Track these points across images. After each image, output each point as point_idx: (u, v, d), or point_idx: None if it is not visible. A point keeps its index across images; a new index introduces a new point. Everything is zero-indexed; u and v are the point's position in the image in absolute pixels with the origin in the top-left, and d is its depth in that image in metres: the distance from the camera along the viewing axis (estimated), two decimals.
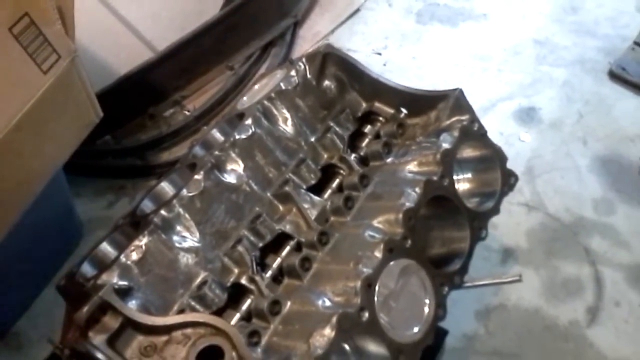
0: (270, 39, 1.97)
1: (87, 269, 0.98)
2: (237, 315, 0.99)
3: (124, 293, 0.91)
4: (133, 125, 1.79)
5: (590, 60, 2.03)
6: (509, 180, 1.16)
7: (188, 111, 1.85)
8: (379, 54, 2.06)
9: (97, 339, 0.86)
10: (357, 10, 2.16)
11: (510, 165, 1.78)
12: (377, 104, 1.21)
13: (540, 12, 2.19)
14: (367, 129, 1.21)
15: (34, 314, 1.47)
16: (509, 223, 1.66)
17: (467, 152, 1.13)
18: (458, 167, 1.15)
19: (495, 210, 1.13)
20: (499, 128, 1.86)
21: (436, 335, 1.41)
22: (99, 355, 0.88)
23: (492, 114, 1.90)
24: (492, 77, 2.00)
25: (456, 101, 1.10)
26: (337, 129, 1.17)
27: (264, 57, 1.97)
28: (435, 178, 1.02)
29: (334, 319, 0.87)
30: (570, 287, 1.54)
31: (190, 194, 1.01)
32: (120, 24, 1.74)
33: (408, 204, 0.99)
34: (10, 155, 0.98)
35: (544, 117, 1.89)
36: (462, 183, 1.15)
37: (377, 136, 1.18)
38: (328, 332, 0.87)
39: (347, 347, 0.94)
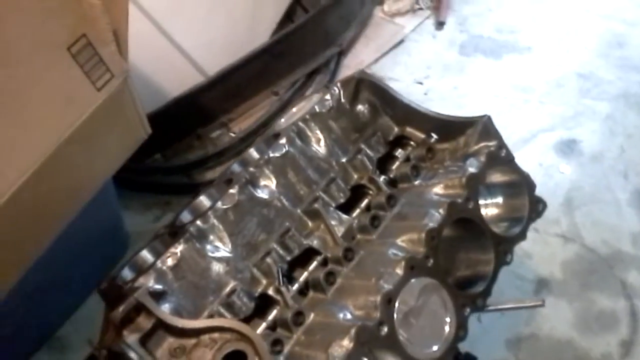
0: (315, 66, 2.04)
1: (127, 274, 1.05)
2: (263, 325, 1.03)
3: (158, 296, 0.97)
4: (182, 145, 1.88)
5: (634, 95, 2.02)
6: (537, 207, 1.18)
7: (234, 133, 1.93)
8: (421, 83, 2.10)
9: (131, 337, 0.92)
10: (402, 42, 2.22)
11: (548, 196, 1.79)
12: (408, 129, 1.25)
13: (585, 47, 2.19)
14: (398, 152, 1.25)
15: (78, 319, 1.55)
16: (544, 253, 1.65)
17: (495, 178, 1.15)
18: (486, 192, 1.17)
19: (522, 236, 1.15)
20: (539, 159, 1.86)
21: None
22: (131, 353, 0.94)
23: (533, 145, 1.90)
24: (533, 108, 2.01)
25: (484, 127, 1.14)
26: (368, 151, 1.21)
27: (308, 84, 2.04)
28: (459, 200, 1.05)
29: (353, 331, 0.91)
30: (605, 321, 1.52)
31: (225, 207, 1.07)
32: (175, 50, 1.84)
33: (431, 224, 1.02)
34: (62, 166, 1.06)
35: (584, 149, 1.88)
36: (490, 208, 1.17)
37: (407, 160, 1.22)
38: (347, 343, 0.90)
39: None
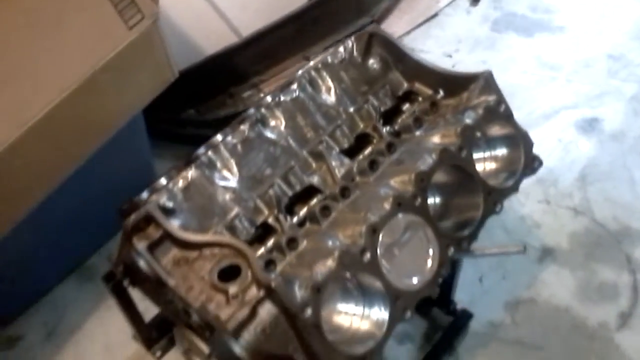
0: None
1: (145, 196, 1.16)
2: (262, 249, 1.12)
3: (168, 212, 1.08)
4: (215, 102, 1.99)
5: None
6: (532, 163, 1.22)
7: (264, 94, 2.03)
8: (450, 56, 2.15)
9: (140, 244, 1.02)
10: (435, 15, 2.27)
11: (564, 170, 1.83)
12: (417, 84, 1.31)
13: (619, 29, 2.19)
14: (406, 107, 1.32)
15: (106, 252, 1.68)
16: (554, 225, 1.69)
17: (494, 131, 1.21)
18: (485, 145, 1.23)
19: (514, 189, 1.20)
20: (559, 135, 1.89)
21: (460, 317, 1.50)
22: (139, 258, 1.05)
23: (554, 121, 1.93)
24: (559, 86, 2.04)
25: (485, 82, 1.19)
26: (375, 102, 1.28)
27: None
28: (452, 148, 1.12)
29: (336, 253, 0.99)
30: (606, 292, 1.56)
31: (235, 141, 1.17)
32: (212, 9, 1.94)
33: (422, 167, 1.09)
34: (95, 92, 1.18)
35: (605, 128, 1.90)
36: (488, 161, 1.23)
37: (412, 114, 1.29)
38: (330, 263, 0.98)
39: (349, 284, 1.05)
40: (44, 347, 1.50)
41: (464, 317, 1.48)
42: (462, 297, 1.48)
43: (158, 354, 1.47)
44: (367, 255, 1.02)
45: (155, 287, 1.12)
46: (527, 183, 1.74)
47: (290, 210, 1.18)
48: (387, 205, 1.05)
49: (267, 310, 0.96)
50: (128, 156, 1.59)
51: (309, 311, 0.95)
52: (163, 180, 1.16)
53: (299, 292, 0.96)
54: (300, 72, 1.27)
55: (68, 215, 1.50)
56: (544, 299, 1.55)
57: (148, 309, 1.27)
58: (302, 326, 0.95)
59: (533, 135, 1.24)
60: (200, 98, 1.98)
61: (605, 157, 1.83)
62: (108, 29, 1.17)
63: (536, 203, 1.73)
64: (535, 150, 1.23)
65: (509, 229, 1.66)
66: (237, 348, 0.95)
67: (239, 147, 1.17)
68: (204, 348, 1.07)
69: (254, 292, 0.97)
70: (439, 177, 1.14)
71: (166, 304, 1.18)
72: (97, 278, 1.62)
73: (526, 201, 1.73)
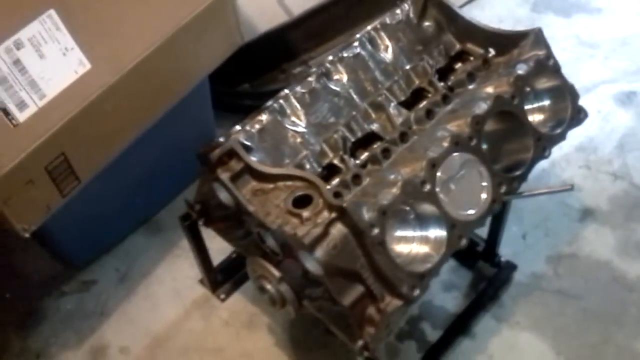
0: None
1: (220, 140, 1.28)
2: (328, 186, 1.23)
3: (246, 149, 1.20)
4: (267, 77, 2.11)
5: None
6: (578, 114, 1.32)
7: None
8: None
9: (223, 175, 1.14)
10: None
11: (603, 138, 1.92)
12: (468, 45, 1.41)
13: None
14: (458, 66, 1.42)
15: (172, 208, 1.80)
16: (594, 188, 1.78)
17: (542, 84, 1.30)
18: (534, 97, 1.32)
19: (561, 137, 1.29)
20: (598, 107, 1.97)
21: (505, 268, 1.59)
22: (220, 191, 1.17)
23: (593, 94, 2.01)
24: (598, 63, 2.12)
25: (535, 37, 1.29)
26: (430, 61, 1.39)
27: None
28: (506, 96, 1.22)
29: (400, 183, 1.10)
30: None
31: (302, 91, 1.28)
32: None
33: (477, 112, 1.19)
34: (176, 50, 1.31)
35: None
36: (537, 112, 1.32)
37: (462, 72, 1.39)
38: (394, 191, 1.09)
39: (408, 216, 1.15)
40: (117, 290, 1.63)
41: (508, 268, 1.57)
42: (506, 252, 1.58)
43: (222, 296, 1.60)
44: (427, 186, 1.12)
45: (232, 219, 1.25)
46: (568, 150, 1.85)
47: (352, 155, 1.29)
48: (445, 144, 1.15)
49: (337, 230, 1.07)
50: (194, 119, 1.72)
51: (375, 230, 1.06)
52: (237, 127, 1.28)
53: (367, 215, 1.07)
54: (360, 33, 1.38)
55: (140, 169, 1.63)
56: (585, 254, 1.63)
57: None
58: (370, 243, 1.06)
59: None
60: (255, 73, 2.10)
61: None
62: None
63: (577, 168, 1.82)
64: None
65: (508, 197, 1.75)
66: (311, 262, 1.06)
67: (306, 97, 1.29)
68: (276, 272, 1.19)
69: (325, 215, 1.09)
70: (490, 125, 1.24)
71: (239, 238, 1.31)
72: (165, 231, 1.77)
73: (567, 166, 1.81)
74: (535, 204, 1.69)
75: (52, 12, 1.08)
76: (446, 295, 1.57)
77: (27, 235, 1.14)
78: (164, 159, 1.64)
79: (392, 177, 1.15)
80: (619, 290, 1.56)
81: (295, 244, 1.08)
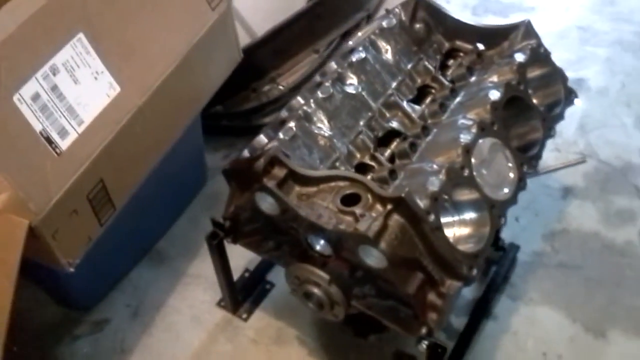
0: (347, 28, 2.30)
1: (246, 154, 1.28)
2: None
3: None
4: (240, 97, 2.12)
5: (628, 41, 2.32)
6: (570, 95, 1.44)
7: (282, 86, 2.18)
8: None
9: (270, 183, 1.15)
10: None
11: (565, 122, 2.04)
12: (457, 42, 1.51)
13: (581, 5, 2.49)
14: (451, 62, 1.51)
15: (171, 236, 1.76)
16: (568, 168, 1.91)
17: (536, 71, 1.41)
18: (529, 85, 1.43)
19: (561, 116, 1.40)
20: None
21: (509, 250, 1.68)
22: (264, 200, 1.17)
23: None
24: None
25: (526, 28, 1.40)
26: (426, 59, 1.47)
27: (341, 44, 2.30)
28: (514, 82, 1.31)
29: (444, 170, 1.15)
30: (624, 216, 1.78)
31: (323, 96, 1.32)
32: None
33: (494, 98, 1.27)
34: (190, 70, 1.30)
35: (591, 86, 2.16)
36: (534, 97, 1.43)
37: (460, 66, 1.48)
38: (441, 177, 1.14)
39: (446, 203, 1.21)
40: (133, 326, 1.57)
41: (513, 249, 1.66)
42: (504, 235, 1.66)
43: (244, 316, 1.58)
44: (466, 171, 1.18)
45: (263, 232, 1.25)
46: None
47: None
48: (473, 130, 1.22)
49: (394, 221, 1.10)
50: (187, 145, 1.70)
51: (432, 216, 1.10)
52: (263, 139, 1.29)
53: (421, 203, 1.11)
54: (362, 37, 1.44)
55: (139, 198, 1.58)
56: (575, 228, 1.75)
57: None
58: (429, 230, 1.10)
59: None
60: (226, 94, 2.10)
61: (596, 108, 2.08)
62: (196, 9, 1.30)
63: (549, 152, 1.94)
64: None
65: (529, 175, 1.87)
66: (374, 256, 1.09)
67: (327, 102, 1.32)
68: (325, 275, 1.20)
69: (378, 209, 1.12)
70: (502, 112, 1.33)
71: (272, 249, 1.31)
72: (169, 260, 1.73)
73: None
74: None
75: (81, 35, 1.05)
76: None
77: (72, 270, 1.09)
78: (160, 187, 1.61)
79: (429, 167, 1.20)
80: (612, 256, 1.68)
81: (356, 240, 1.10)
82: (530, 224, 1.77)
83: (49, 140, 1.00)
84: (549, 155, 1.94)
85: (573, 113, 2.06)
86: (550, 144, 1.94)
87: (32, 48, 1.00)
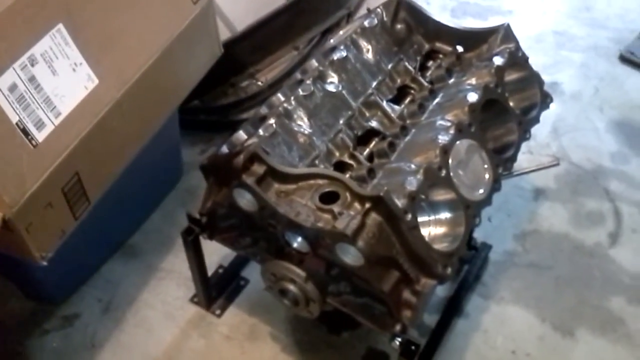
0: (328, 25, 2.30)
1: (225, 150, 1.28)
2: None
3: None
4: (218, 91, 2.11)
5: (602, 47, 2.36)
6: (546, 99, 1.46)
7: (261, 82, 2.17)
8: None
9: (249, 180, 1.15)
10: None
11: (538, 126, 2.08)
12: (437, 44, 1.52)
13: (558, 10, 2.53)
14: (430, 63, 1.52)
15: (145, 231, 1.75)
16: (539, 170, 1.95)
17: (514, 75, 1.43)
18: (506, 88, 1.45)
19: (537, 119, 1.43)
20: None
21: (482, 249, 1.70)
22: (242, 196, 1.17)
23: None
24: None
25: (505, 32, 1.42)
26: (406, 60, 1.48)
27: (322, 41, 2.30)
28: (492, 85, 1.33)
29: (422, 170, 1.16)
30: (594, 218, 1.82)
31: (304, 94, 1.32)
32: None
33: (472, 100, 1.29)
34: (171, 63, 1.29)
35: (565, 90, 2.20)
36: (511, 100, 1.45)
37: (439, 67, 1.49)
38: (418, 177, 1.16)
39: (422, 203, 1.22)
40: (104, 321, 1.55)
41: (485, 249, 1.69)
42: (477, 234, 1.69)
43: (218, 312, 1.58)
44: (443, 171, 1.20)
45: (239, 228, 1.25)
46: None
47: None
48: (451, 132, 1.24)
49: (372, 219, 1.11)
50: (163, 137, 1.68)
51: (409, 215, 1.12)
52: (242, 135, 1.29)
53: (398, 202, 1.12)
54: (343, 35, 1.44)
55: (112, 192, 1.57)
56: (546, 229, 1.79)
57: None
58: (406, 229, 1.11)
59: None
60: (204, 88, 2.08)
61: (569, 112, 2.13)
62: (178, 2, 1.29)
63: (521, 154, 1.95)
64: None
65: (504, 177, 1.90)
66: (351, 254, 1.10)
67: (307, 100, 1.32)
68: (301, 272, 1.21)
69: (357, 207, 1.13)
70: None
71: (248, 246, 1.31)
72: (142, 255, 1.72)
73: None
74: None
75: (60, 26, 1.03)
76: None
77: (44, 263, 1.07)
78: (134, 181, 1.59)
79: (408, 166, 1.21)
80: (581, 257, 1.72)
81: (334, 238, 1.10)
82: (502, 224, 1.80)
83: (25, 131, 0.98)
84: (522, 158, 1.94)
85: (546, 116, 2.08)
86: (523, 146, 1.99)
87: (10, 38, 0.98)
